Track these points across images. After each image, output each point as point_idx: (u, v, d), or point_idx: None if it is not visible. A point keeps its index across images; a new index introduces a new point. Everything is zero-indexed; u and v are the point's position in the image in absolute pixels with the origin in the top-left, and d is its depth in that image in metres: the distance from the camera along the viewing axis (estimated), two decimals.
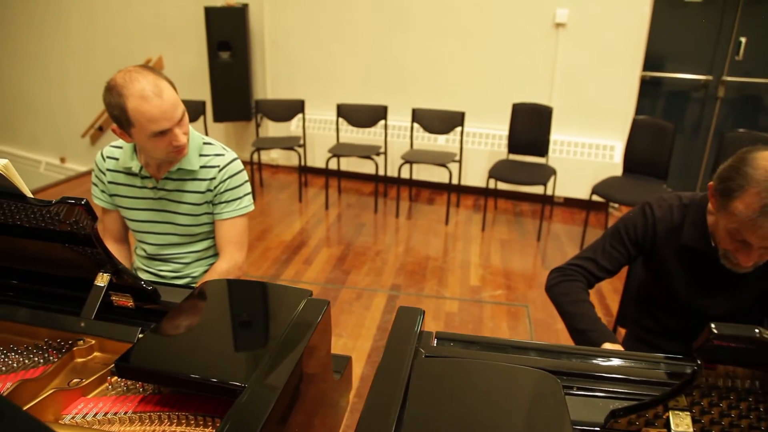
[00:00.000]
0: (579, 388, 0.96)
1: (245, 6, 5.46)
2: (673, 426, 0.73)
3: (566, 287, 1.63)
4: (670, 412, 0.75)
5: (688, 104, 4.96)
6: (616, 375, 0.98)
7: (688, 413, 0.75)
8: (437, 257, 4.01)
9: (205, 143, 1.79)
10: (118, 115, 1.53)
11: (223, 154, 1.79)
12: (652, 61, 4.81)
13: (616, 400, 0.90)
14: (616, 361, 1.01)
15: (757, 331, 0.65)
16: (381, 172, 5.13)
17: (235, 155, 1.82)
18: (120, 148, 1.80)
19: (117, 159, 1.79)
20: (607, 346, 1.39)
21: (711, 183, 1.39)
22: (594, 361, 1.01)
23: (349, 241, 4.25)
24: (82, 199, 0.99)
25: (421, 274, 3.73)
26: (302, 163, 5.22)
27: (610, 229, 1.68)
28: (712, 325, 0.64)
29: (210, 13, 5.34)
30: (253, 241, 4.13)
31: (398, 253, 4.06)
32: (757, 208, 1.22)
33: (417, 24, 5.10)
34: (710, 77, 4.77)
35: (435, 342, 1.04)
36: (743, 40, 4.59)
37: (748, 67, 4.67)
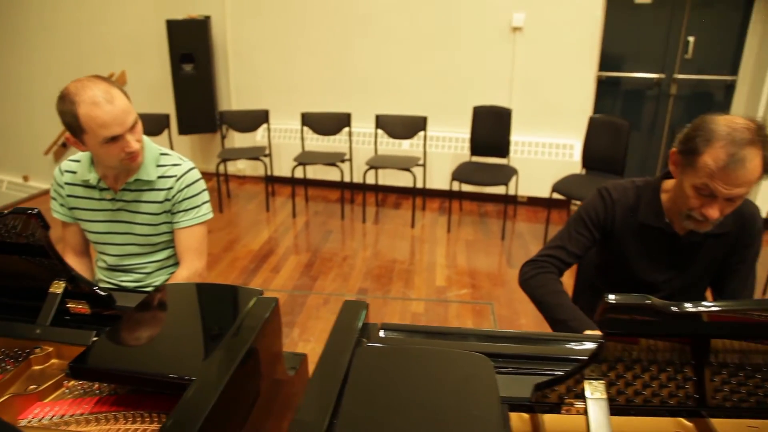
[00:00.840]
0: (513, 369, 1.02)
1: (207, 18, 5.47)
2: (587, 393, 0.80)
3: (541, 279, 1.69)
4: (585, 382, 0.81)
5: (643, 102, 5.13)
6: (548, 355, 1.05)
7: (603, 381, 0.82)
8: (404, 260, 4.07)
9: (161, 154, 1.83)
10: (71, 122, 1.56)
11: (179, 164, 1.82)
12: (607, 61, 4.96)
13: (545, 377, 0.96)
14: (546, 343, 1.08)
15: (648, 300, 0.71)
16: (347, 179, 5.18)
17: (192, 165, 1.86)
18: (78, 161, 1.82)
19: (75, 172, 1.82)
20: (588, 332, 1.46)
21: (673, 149, 1.49)
22: (527, 345, 1.08)
23: (316, 247, 4.29)
24: (34, 209, 1.03)
25: (387, 277, 3.78)
26: (269, 173, 5.25)
27: (572, 217, 1.76)
28: (607, 296, 0.71)
29: (172, 26, 5.34)
30: (221, 252, 4.14)
31: (365, 257, 4.11)
32: (725, 157, 1.33)
33: (378, 31, 5.18)
34: (663, 75, 4.94)
35: (380, 333, 1.09)
36: (691, 39, 4.77)
37: (697, 64, 4.85)
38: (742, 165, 1.33)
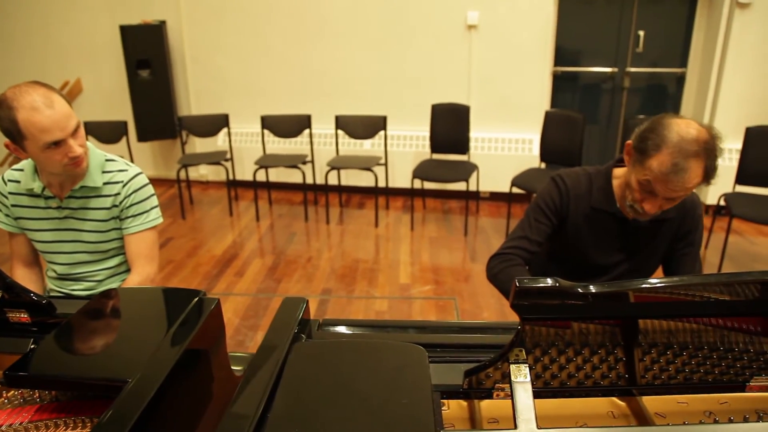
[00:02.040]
0: (450, 358, 1.05)
1: (162, 23, 5.41)
2: (512, 376, 0.83)
3: (509, 273, 1.73)
4: (510, 365, 0.84)
5: (599, 95, 5.25)
6: (485, 343, 1.08)
7: (526, 364, 0.85)
8: (368, 259, 4.09)
9: (107, 160, 1.81)
10: (9, 128, 1.54)
11: (126, 170, 1.81)
12: (562, 56, 5.07)
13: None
14: (484, 332, 1.11)
15: (554, 282, 0.75)
16: (309, 181, 5.18)
17: (139, 170, 1.85)
18: (21, 170, 1.80)
19: (18, 182, 1.79)
20: None
21: (629, 141, 1.58)
22: (464, 334, 1.11)
23: (280, 250, 4.28)
24: None
25: (351, 277, 3.80)
26: (231, 177, 5.21)
27: (529, 206, 1.82)
28: (516, 280, 0.74)
29: (126, 31, 5.27)
30: (184, 258, 4.11)
31: (329, 258, 4.12)
32: (669, 165, 1.43)
33: (335, 32, 5.19)
34: (616, 69, 5.06)
35: (320, 328, 1.11)
36: (641, 33, 4.90)
37: (648, 58, 4.98)
38: (683, 174, 1.43)
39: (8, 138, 1.58)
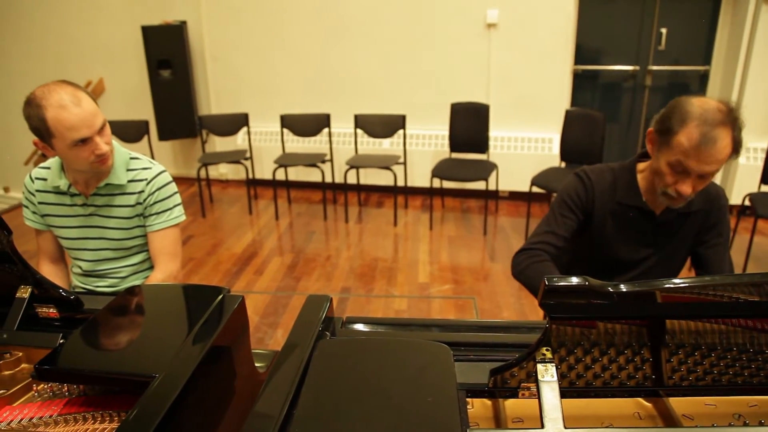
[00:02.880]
0: (474, 357, 1.04)
1: (183, 23, 5.46)
2: (538, 375, 0.83)
3: (537, 268, 1.66)
4: (537, 364, 0.84)
5: (620, 94, 5.19)
6: (509, 342, 1.07)
7: (553, 363, 0.84)
8: (386, 258, 4.09)
9: (132, 158, 1.84)
10: (38, 126, 1.57)
11: (150, 167, 1.83)
12: (583, 55, 5.02)
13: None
14: (507, 331, 1.10)
15: (584, 281, 0.74)
16: (328, 180, 5.19)
17: (162, 168, 1.87)
18: (48, 168, 1.83)
19: (45, 179, 1.82)
20: None
21: (650, 129, 1.58)
22: (488, 333, 1.10)
23: (299, 248, 4.30)
24: None
25: (370, 276, 3.80)
26: (250, 176, 5.25)
27: (554, 201, 1.80)
28: (545, 279, 0.74)
29: (147, 31, 5.33)
30: (204, 256, 4.14)
31: (348, 256, 4.13)
32: (698, 136, 1.42)
33: (354, 32, 5.20)
34: (637, 67, 5.00)
35: (344, 326, 1.11)
36: (664, 30, 4.83)
37: (671, 56, 4.92)
38: (713, 144, 1.42)
39: (37, 136, 1.60)
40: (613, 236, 1.74)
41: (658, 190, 1.59)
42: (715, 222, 1.73)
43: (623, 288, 0.76)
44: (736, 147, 1.46)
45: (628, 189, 1.70)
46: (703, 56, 4.87)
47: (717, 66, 4.84)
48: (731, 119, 1.44)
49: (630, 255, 1.76)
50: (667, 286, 0.78)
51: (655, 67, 4.95)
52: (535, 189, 4.16)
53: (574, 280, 0.74)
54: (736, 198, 4.47)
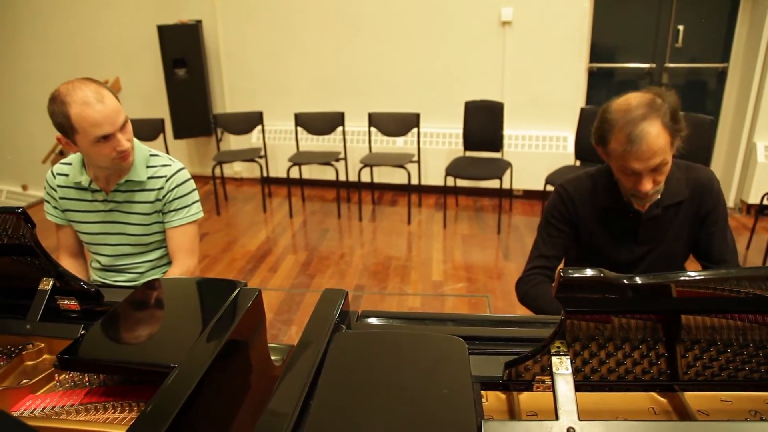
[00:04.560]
0: (489, 350, 1.05)
1: (198, 22, 5.51)
2: (553, 368, 0.83)
3: (535, 291, 1.74)
4: (552, 357, 0.84)
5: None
6: (523, 336, 1.08)
7: (568, 356, 0.85)
8: (400, 256, 4.10)
9: (151, 155, 1.86)
10: (62, 122, 1.60)
11: (169, 165, 1.86)
12: (598, 52, 4.99)
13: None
14: (521, 326, 1.11)
15: (599, 272, 0.74)
16: (342, 178, 5.21)
17: (181, 165, 1.89)
18: (69, 164, 1.86)
19: (67, 175, 1.85)
20: None
21: (593, 142, 1.60)
22: (503, 327, 1.11)
23: (313, 246, 4.32)
24: (19, 208, 1.06)
25: (384, 274, 3.81)
26: (264, 174, 5.28)
27: (540, 224, 1.83)
28: (561, 271, 0.74)
29: (163, 31, 5.38)
30: (218, 253, 4.18)
31: (362, 254, 4.14)
32: (625, 139, 1.45)
33: (368, 30, 5.21)
34: (654, 65, 4.96)
35: (359, 320, 1.12)
36: (681, 28, 4.79)
37: (688, 53, 4.87)
38: (642, 139, 1.43)
39: (60, 132, 1.64)
40: (605, 241, 1.74)
41: (624, 195, 1.62)
42: (710, 209, 1.70)
43: (638, 280, 0.76)
44: (674, 132, 1.47)
45: (609, 192, 1.69)
46: (721, 53, 4.82)
47: (735, 63, 4.78)
48: (654, 109, 1.45)
49: (627, 256, 1.74)
50: (682, 278, 0.78)
51: (671, 65, 4.91)
52: (550, 188, 4.15)
53: (589, 272, 0.74)
54: (754, 197, 4.42)
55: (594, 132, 1.57)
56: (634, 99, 1.48)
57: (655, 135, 1.43)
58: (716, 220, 1.70)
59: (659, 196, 1.63)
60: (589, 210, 1.72)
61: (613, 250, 1.73)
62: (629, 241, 1.72)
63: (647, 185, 1.51)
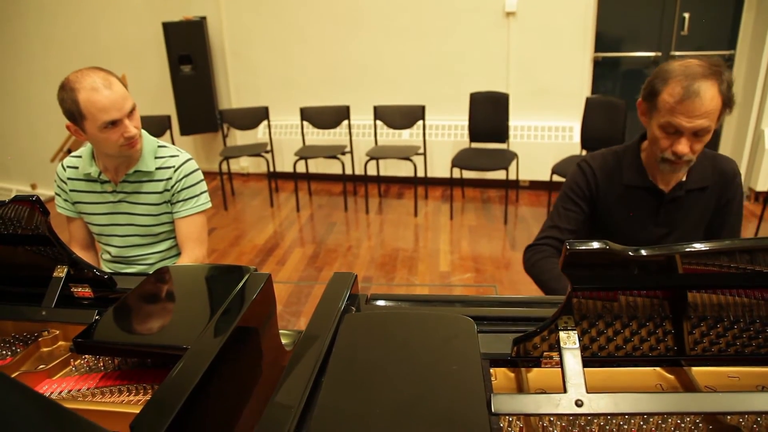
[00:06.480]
0: (498, 329, 1.06)
1: (203, 19, 5.53)
2: (561, 343, 0.84)
3: (543, 265, 1.72)
4: (559, 332, 0.85)
5: (642, 81, 5.09)
6: (531, 316, 1.09)
7: (575, 331, 0.86)
8: (407, 248, 4.11)
9: (159, 146, 1.89)
10: (71, 109, 1.63)
11: (177, 155, 1.88)
12: (603, 42, 4.97)
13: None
14: (529, 306, 1.12)
15: (605, 244, 0.75)
16: (348, 171, 5.23)
17: (189, 156, 1.91)
18: (79, 157, 1.88)
19: (76, 167, 1.88)
20: None
21: (639, 99, 1.59)
22: (511, 308, 1.12)
23: (321, 239, 4.34)
24: (33, 196, 1.08)
25: (391, 265, 3.83)
26: (271, 169, 5.30)
27: (558, 195, 1.81)
28: (566, 244, 0.75)
29: (168, 28, 5.40)
30: (227, 248, 4.20)
31: (369, 246, 4.16)
32: (681, 90, 1.43)
33: (373, 23, 5.21)
34: (659, 54, 4.94)
35: (368, 302, 1.14)
36: (687, 15, 4.77)
37: (694, 41, 4.85)
38: (697, 96, 1.41)
39: (69, 119, 1.66)
40: (624, 220, 1.73)
41: (657, 158, 1.57)
42: (729, 199, 1.70)
43: (643, 252, 0.77)
44: (727, 101, 1.45)
45: (633, 169, 1.67)
46: (728, 41, 4.79)
47: (742, 51, 4.76)
48: (714, 71, 1.43)
49: (644, 236, 1.73)
50: (687, 249, 0.79)
51: (678, 53, 4.88)
52: (556, 178, 4.15)
53: (595, 244, 0.75)
54: (762, 185, 4.41)
55: (646, 85, 1.54)
56: (696, 59, 1.47)
57: (710, 96, 1.42)
58: (732, 210, 1.71)
59: (686, 172, 1.61)
60: (611, 186, 1.70)
61: (630, 230, 1.72)
62: (648, 222, 1.71)
63: (685, 147, 1.49)
